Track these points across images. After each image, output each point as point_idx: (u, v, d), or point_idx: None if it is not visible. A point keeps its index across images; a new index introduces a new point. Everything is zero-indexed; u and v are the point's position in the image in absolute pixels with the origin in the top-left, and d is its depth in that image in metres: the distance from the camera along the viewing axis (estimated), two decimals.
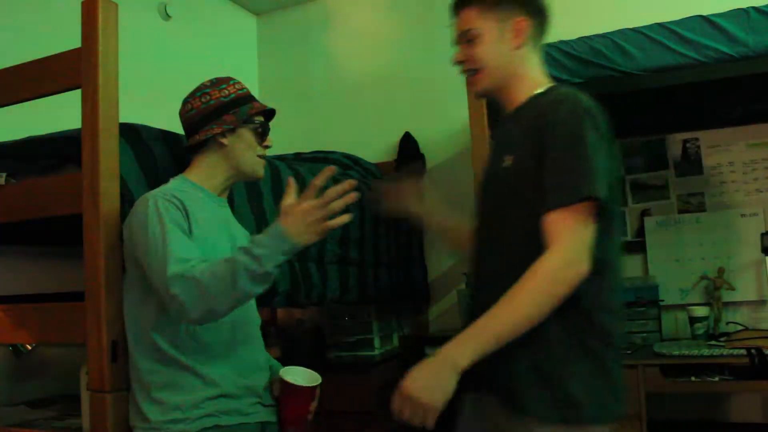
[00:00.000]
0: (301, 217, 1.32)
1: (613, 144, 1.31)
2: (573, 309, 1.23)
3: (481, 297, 1.35)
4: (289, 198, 1.37)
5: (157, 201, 1.39)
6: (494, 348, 1.19)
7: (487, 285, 1.37)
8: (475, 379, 1.29)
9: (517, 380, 1.28)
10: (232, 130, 1.53)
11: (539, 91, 1.40)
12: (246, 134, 1.55)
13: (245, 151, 1.55)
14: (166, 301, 1.33)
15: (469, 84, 1.46)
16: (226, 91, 1.55)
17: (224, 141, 1.53)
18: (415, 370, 1.19)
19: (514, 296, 1.19)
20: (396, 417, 1.19)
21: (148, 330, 1.42)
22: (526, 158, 1.30)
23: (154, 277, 1.35)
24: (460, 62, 1.45)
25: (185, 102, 1.58)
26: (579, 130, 1.25)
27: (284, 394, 1.56)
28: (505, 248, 1.35)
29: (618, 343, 1.33)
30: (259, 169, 1.60)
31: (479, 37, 1.40)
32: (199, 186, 1.54)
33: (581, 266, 1.20)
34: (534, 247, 1.24)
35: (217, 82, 1.57)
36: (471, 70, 1.43)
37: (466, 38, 1.42)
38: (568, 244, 1.20)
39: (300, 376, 1.57)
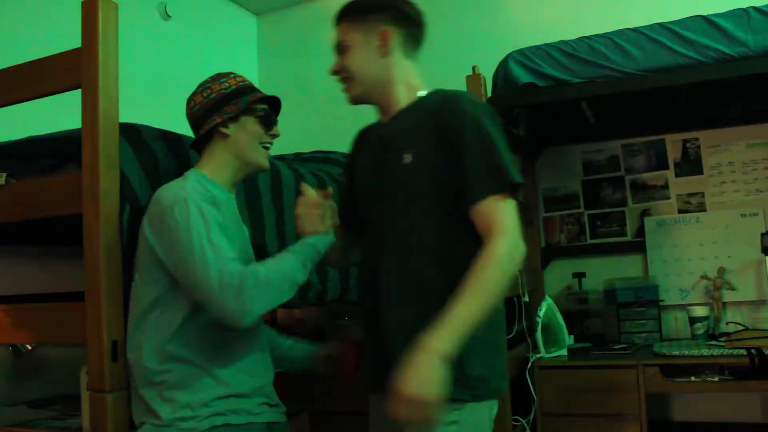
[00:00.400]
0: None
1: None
2: None
3: (384, 289, 1.41)
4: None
5: (198, 201, 1.40)
6: (468, 333, 1.24)
7: (391, 276, 1.40)
8: (378, 379, 1.35)
9: None
10: (234, 119, 1.53)
11: (421, 94, 1.49)
12: (249, 123, 1.55)
13: (249, 141, 1.55)
14: (214, 305, 1.33)
15: (344, 91, 1.54)
16: (227, 84, 1.56)
17: (226, 131, 1.53)
18: (404, 371, 1.20)
19: (480, 282, 1.26)
20: (398, 422, 1.20)
21: (166, 331, 1.42)
22: (428, 155, 1.38)
23: (200, 282, 1.34)
24: (334, 72, 1.54)
25: (188, 100, 1.58)
26: (484, 125, 1.36)
27: (347, 346, 1.68)
28: (408, 240, 1.40)
29: (503, 323, 1.49)
30: (263, 160, 1.59)
31: (348, 48, 1.50)
32: (213, 180, 1.54)
33: (522, 245, 1.32)
34: (430, 244, 1.37)
35: (218, 76, 1.57)
36: (343, 78, 1.52)
37: (339, 50, 1.53)
38: (509, 228, 1.30)
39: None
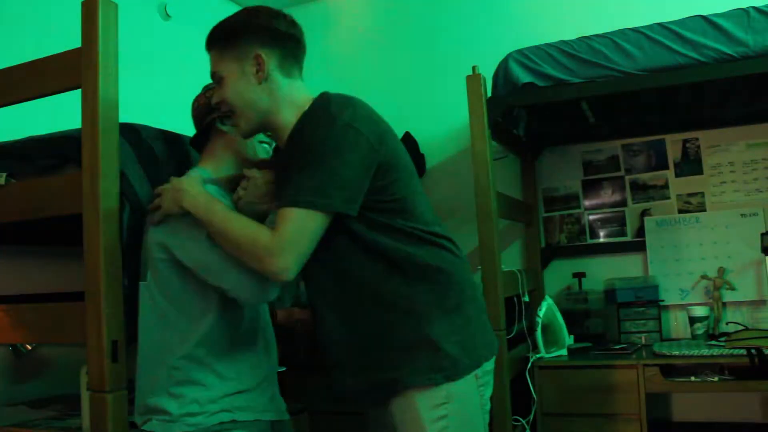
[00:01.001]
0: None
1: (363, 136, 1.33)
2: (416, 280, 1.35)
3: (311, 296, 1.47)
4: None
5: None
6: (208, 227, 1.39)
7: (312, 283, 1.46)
8: (353, 400, 1.44)
9: (389, 370, 1.35)
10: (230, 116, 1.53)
11: (305, 110, 1.40)
12: None
13: (245, 139, 1.55)
14: (267, 265, 1.31)
15: (232, 125, 1.49)
16: None
17: (223, 128, 1.55)
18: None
19: (239, 231, 1.34)
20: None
21: (179, 332, 1.43)
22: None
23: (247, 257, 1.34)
24: (215, 105, 1.47)
25: (193, 101, 1.62)
26: (323, 137, 1.30)
27: None
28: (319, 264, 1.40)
29: (470, 291, 1.44)
30: (261, 155, 1.60)
31: (223, 79, 1.42)
32: (214, 177, 1.55)
33: (284, 264, 1.30)
34: (337, 255, 1.37)
35: None
36: (226, 112, 1.46)
37: (214, 80, 1.45)
38: (285, 237, 1.29)
39: None
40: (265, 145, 1.62)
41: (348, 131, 1.31)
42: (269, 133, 1.58)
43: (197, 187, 1.43)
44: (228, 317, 1.46)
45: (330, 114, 1.32)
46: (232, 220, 1.36)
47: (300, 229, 1.29)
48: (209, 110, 1.55)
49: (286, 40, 1.43)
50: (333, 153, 1.29)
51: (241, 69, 1.40)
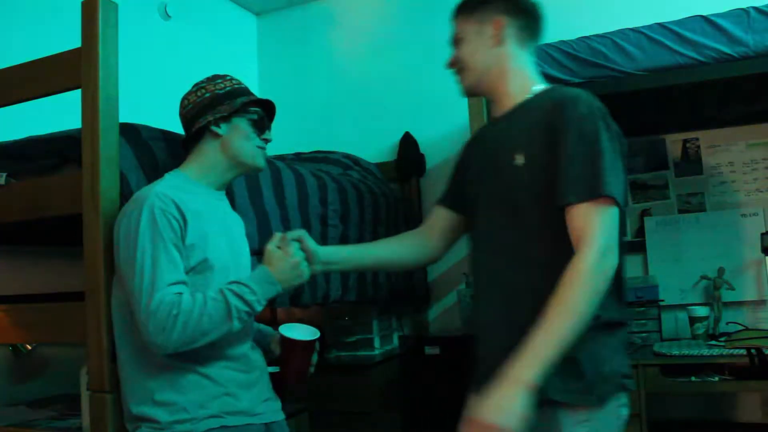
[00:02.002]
0: (287, 262, 1.45)
1: (622, 143, 1.36)
2: None
3: (490, 293, 1.42)
4: (272, 245, 1.48)
5: (154, 209, 1.37)
6: (558, 356, 1.19)
7: (497, 281, 1.40)
8: (476, 381, 1.35)
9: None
10: (226, 118, 1.52)
11: (537, 90, 1.44)
12: (242, 124, 1.54)
13: (243, 141, 1.54)
14: (141, 326, 1.33)
15: (458, 83, 1.54)
16: (222, 84, 1.55)
17: (218, 131, 1.51)
18: (484, 398, 1.19)
19: (566, 300, 1.21)
20: None
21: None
22: (541, 155, 1.33)
23: (135, 299, 1.34)
24: (449, 65, 1.55)
25: (182, 99, 1.58)
26: (595, 129, 1.29)
27: (285, 350, 1.58)
28: (517, 244, 1.36)
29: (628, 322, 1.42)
30: (259, 159, 1.58)
31: (462, 39, 1.51)
32: (195, 181, 1.53)
33: (613, 256, 1.24)
34: (549, 241, 1.31)
35: (213, 78, 1.57)
36: (457, 70, 1.53)
37: (454, 42, 1.54)
38: (597, 238, 1.23)
39: (299, 331, 1.59)
40: (263, 151, 1.59)
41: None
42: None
43: (503, 393, 1.19)
44: None
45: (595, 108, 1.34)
46: (550, 321, 1.20)
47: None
48: (201, 111, 1.52)
49: (526, 14, 1.49)
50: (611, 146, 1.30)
51: (480, 31, 1.48)
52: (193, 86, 1.57)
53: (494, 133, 1.49)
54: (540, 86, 1.46)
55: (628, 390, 1.38)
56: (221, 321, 1.35)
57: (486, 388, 1.21)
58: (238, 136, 1.53)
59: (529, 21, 1.49)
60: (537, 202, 1.33)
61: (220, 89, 1.54)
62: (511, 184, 1.38)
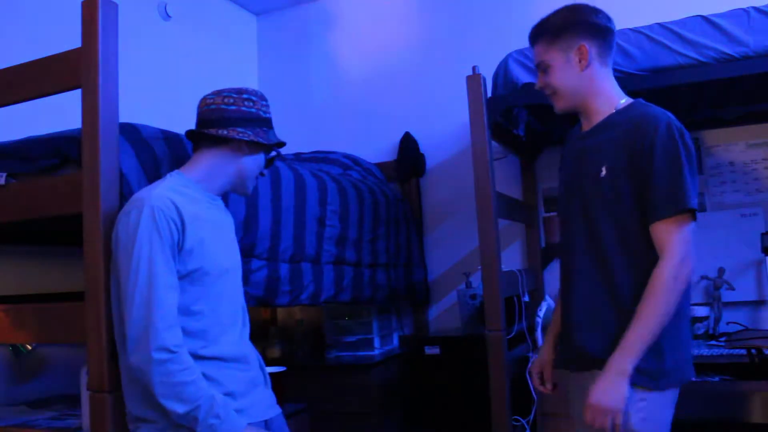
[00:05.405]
0: None
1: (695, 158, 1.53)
2: None
3: (572, 285, 1.66)
4: None
5: (154, 211, 1.38)
6: (646, 349, 1.45)
7: (577, 277, 1.63)
8: (577, 360, 1.61)
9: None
10: (255, 145, 1.57)
11: (621, 106, 1.60)
12: (262, 158, 1.62)
13: (254, 170, 1.62)
14: (128, 341, 1.34)
15: (552, 103, 1.69)
16: (253, 104, 1.57)
17: (245, 149, 1.56)
18: (596, 388, 1.46)
19: (654, 301, 1.45)
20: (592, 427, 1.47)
21: None
22: (620, 170, 1.52)
23: (128, 303, 1.35)
24: (541, 88, 1.68)
25: (206, 98, 1.58)
26: (676, 149, 1.48)
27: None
28: (593, 248, 1.58)
29: (687, 316, 1.60)
30: (251, 189, 1.66)
31: (550, 67, 1.63)
32: (196, 184, 1.54)
33: (690, 264, 1.47)
34: (620, 247, 1.53)
35: (242, 91, 1.58)
36: (549, 93, 1.67)
37: (541, 68, 1.66)
38: (678, 248, 1.46)
39: None
40: (259, 176, 1.67)
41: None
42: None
43: (611, 382, 1.46)
44: (207, 317, 1.44)
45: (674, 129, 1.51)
46: (641, 322, 1.46)
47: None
48: (232, 121, 1.53)
49: (605, 33, 1.61)
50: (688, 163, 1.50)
51: (566, 58, 1.60)
52: (221, 89, 1.58)
53: (581, 145, 1.65)
54: (623, 100, 1.61)
55: (688, 380, 1.56)
56: (179, 400, 1.34)
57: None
58: (255, 164, 1.61)
59: (607, 38, 1.61)
60: (609, 210, 1.54)
61: (264, 112, 1.59)
62: (593, 191, 1.57)
